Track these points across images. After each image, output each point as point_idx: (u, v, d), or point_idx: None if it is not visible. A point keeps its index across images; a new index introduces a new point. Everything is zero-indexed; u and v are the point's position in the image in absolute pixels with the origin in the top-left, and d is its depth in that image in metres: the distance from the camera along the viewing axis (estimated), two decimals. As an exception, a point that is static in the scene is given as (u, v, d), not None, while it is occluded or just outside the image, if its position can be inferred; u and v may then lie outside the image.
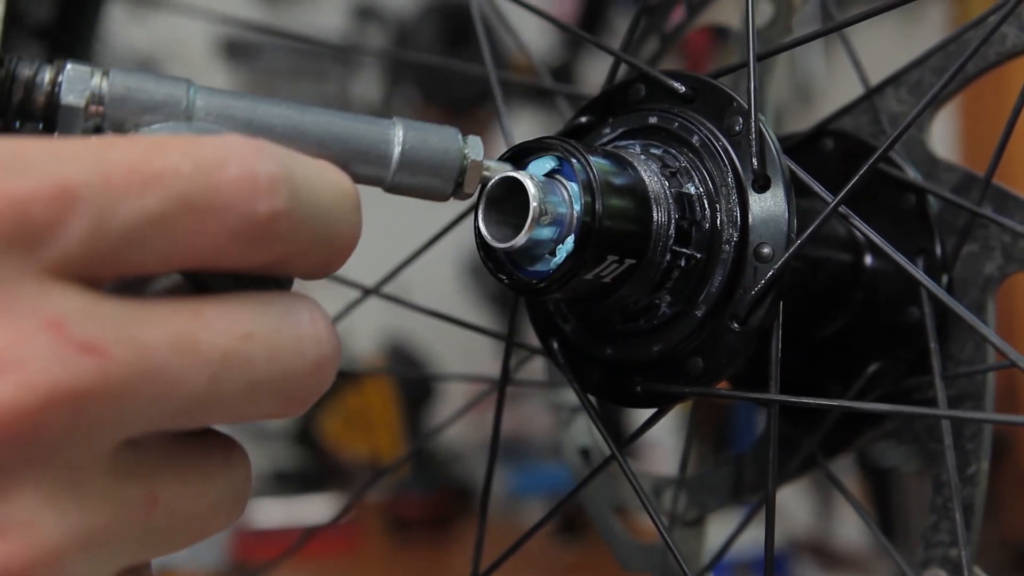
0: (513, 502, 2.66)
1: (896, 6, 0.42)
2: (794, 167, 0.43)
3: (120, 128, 0.36)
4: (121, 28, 2.88)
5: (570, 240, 0.40)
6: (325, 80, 3.12)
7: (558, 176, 0.41)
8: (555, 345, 0.49)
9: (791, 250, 0.41)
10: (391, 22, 3.13)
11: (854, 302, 0.53)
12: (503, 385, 0.53)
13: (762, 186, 0.43)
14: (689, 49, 2.35)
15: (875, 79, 0.54)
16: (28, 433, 0.27)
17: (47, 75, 0.35)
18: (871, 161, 0.41)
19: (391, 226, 2.47)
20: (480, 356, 2.27)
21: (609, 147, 0.46)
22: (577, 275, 0.41)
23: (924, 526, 0.51)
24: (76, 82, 0.35)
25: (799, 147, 0.55)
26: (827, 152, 0.54)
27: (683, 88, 0.45)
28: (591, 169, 0.41)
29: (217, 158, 0.30)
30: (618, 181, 0.42)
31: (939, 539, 0.50)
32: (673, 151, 0.45)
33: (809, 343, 0.54)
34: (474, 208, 0.42)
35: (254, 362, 0.31)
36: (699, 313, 0.43)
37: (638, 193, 0.42)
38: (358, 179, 0.39)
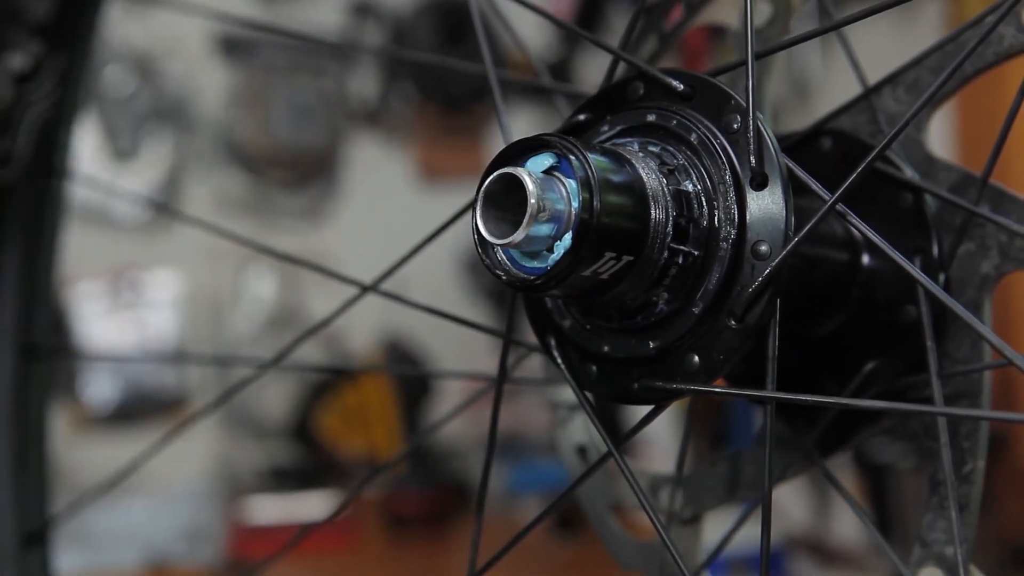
0: (511, 499, 2.66)
1: (893, 5, 0.42)
2: (792, 165, 0.44)
3: None
4: (118, 25, 2.88)
5: (568, 237, 0.40)
6: (322, 76, 3.12)
7: (556, 173, 0.41)
8: (552, 342, 0.49)
9: (788, 247, 0.42)
10: (388, 19, 3.13)
11: (851, 301, 0.53)
12: (500, 383, 0.53)
13: (760, 184, 0.43)
14: (686, 47, 2.35)
15: (871, 78, 0.54)
16: None
17: None
18: (868, 159, 0.41)
19: (389, 223, 2.47)
20: (478, 353, 2.27)
21: (607, 144, 0.46)
22: (575, 272, 0.41)
23: (920, 524, 0.51)
24: None
25: (797, 146, 0.55)
26: (825, 151, 0.55)
27: (681, 86, 0.45)
28: (589, 166, 0.41)
29: None
30: (616, 178, 0.42)
31: (935, 537, 0.50)
32: (671, 149, 0.45)
33: (806, 341, 0.54)
34: (472, 205, 0.42)
35: None
36: (696, 310, 0.44)
37: (636, 190, 0.42)
38: None
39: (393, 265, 0.61)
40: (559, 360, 0.49)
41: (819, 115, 0.55)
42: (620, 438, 0.49)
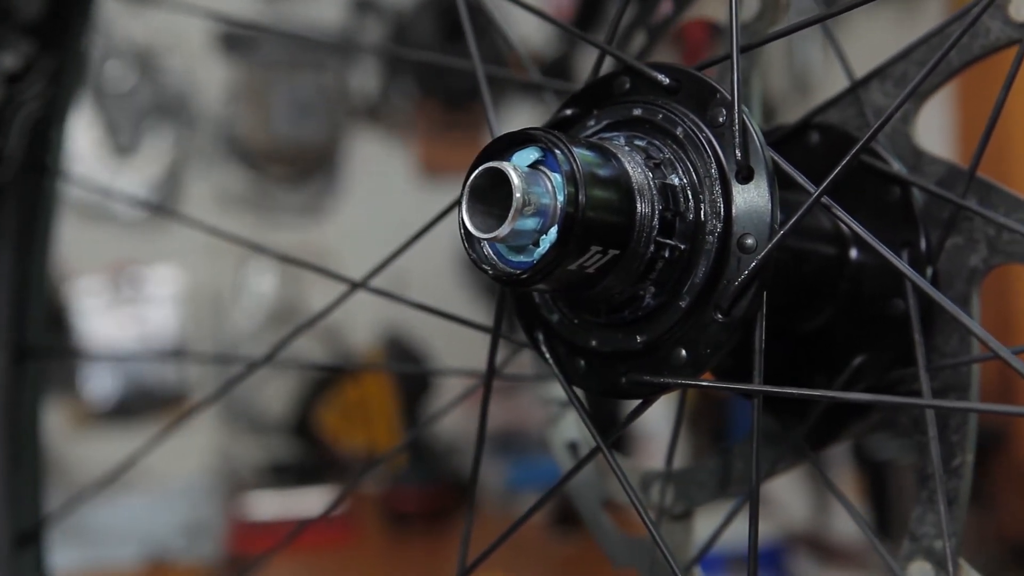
0: (509, 495, 2.66)
1: (879, -2, 0.41)
2: (777, 158, 0.44)
3: None
4: (119, 20, 2.88)
5: (553, 231, 0.40)
6: (323, 72, 3.12)
7: (542, 167, 0.41)
8: (540, 337, 0.49)
9: (774, 240, 0.42)
10: (389, 15, 3.13)
11: (839, 294, 0.53)
12: (489, 379, 0.53)
13: (745, 177, 0.43)
14: (686, 42, 2.35)
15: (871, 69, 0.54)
16: None
17: None
18: (853, 152, 0.41)
19: (389, 219, 2.47)
20: (478, 349, 2.27)
21: (593, 139, 0.46)
22: (560, 265, 0.41)
23: (910, 518, 0.51)
24: None
25: (785, 140, 0.55)
26: (813, 145, 0.55)
27: (667, 80, 0.45)
28: (574, 160, 0.41)
29: None
30: (602, 172, 0.42)
31: (924, 531, 0.50)
32: (657, 142, 0.45)
33: (794, 335, 0.54)
34: (458, 200, 0.42)
35: None
36: (683, 304, 0.44)
37: (622, 184, 0.42)
38: None
39: (383, 261, 0.61)
40: (547, 355, 0.49)
41: (810, 109, 0.55)
42: (610, 433, 0.49)
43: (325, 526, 2.36)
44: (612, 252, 0.42)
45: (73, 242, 2.39)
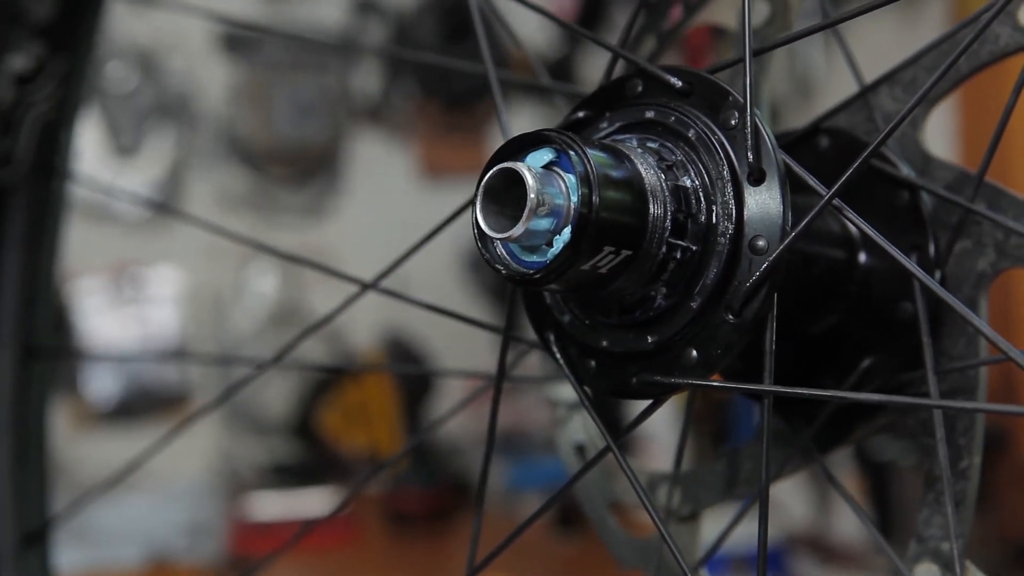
0: (512, 496, 2.66)
1: (889, 2, 0.42)
2: (789, 161, 0.44)
3: None
4: (121, 21, 2.88)
5: (567, 231, 0.41)
6: (324, 73, 3.12)
7: (556, 168, 0.42)
8: (551, 338, 0.49)
9: (785, 242, 0.42)
10: (391, 16, 3.13)
11: (848, 297, 0.53)
12: (499, 381, 0.54)
13: (757, 180, 0.43)
14: (688, 46, 2.35)
15: (874, 74, 0.55)
16: None
17: None
18: (864, 155, 0.41)
19: (391, 220, 2.47)
20: (480, 350, 2.27)
21: (606, 141, 0.46)
22: (573, 266, 0.41)
23: (917, 520, 0.51)
24: None
25: (794, 144, 0.55)
26: (822, 149, 0.55)
27: (680, 83, 0.46)
28: (588, 161, 0.41)
29: None
30: (615, 174, 0.42)
31: (931, 533, 0.50)
32: (670, 145, 0.45)
33: (804, 338, 0.54)
34: (472, 200, 0.43)
35: None
36: (694, 305, 0.44)
37: (634, 186, 0.43)
38: None
39: (393, 263, 0.61)
40: (558, 356, 0.49)
41: (820, 112, 0.55)
42: (619, 433, 0.49)
43: (327, 527, 2.36)
44: (625, 253, 0.42)
45: (75, 242, 2.39)
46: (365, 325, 2.89)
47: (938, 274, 0.51)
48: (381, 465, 2.52)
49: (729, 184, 0.44)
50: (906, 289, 0.51)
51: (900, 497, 2.18)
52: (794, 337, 0.54)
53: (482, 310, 2.91)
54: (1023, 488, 2.13)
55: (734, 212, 0.43)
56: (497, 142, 0.45)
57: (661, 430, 2.31)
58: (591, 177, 0.41)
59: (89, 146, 2.87)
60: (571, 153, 0.41)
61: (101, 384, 2.86)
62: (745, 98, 0.43)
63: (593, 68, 3.01)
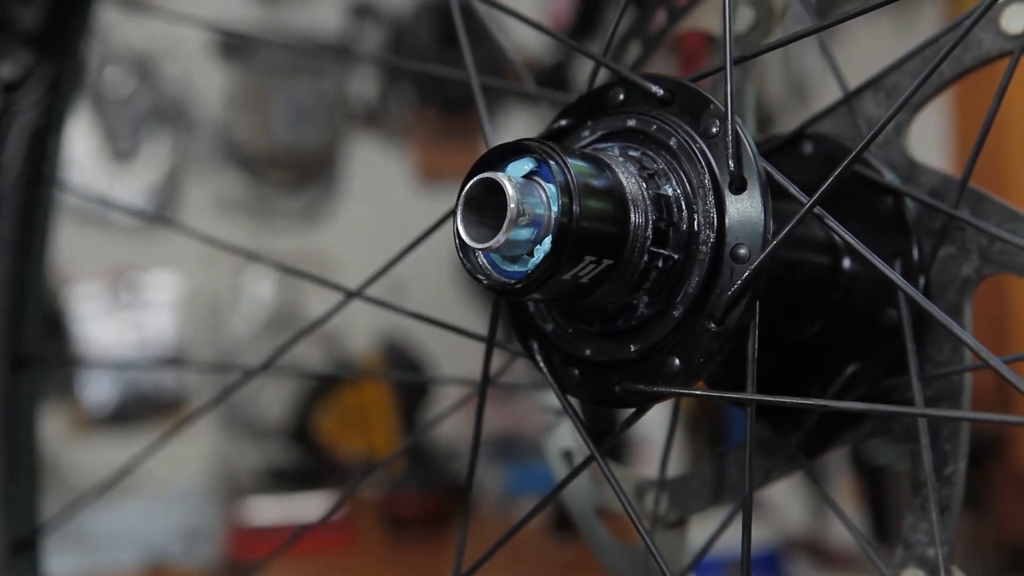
0: (508, 500, 2.66)
1: (870, 10, 0.42)
2: (770, 169, 0.44)
3: None
4: (117, 26, 2.88)
5: (548, 241, 0.41)
6: (321, 77, 3.12)
7: (536, 178, 0.42)
8: (535, 346, 0.49)
9: (767, 250, 0.42)
10: (388, 20, 3.14)
11: (832, 304, 0.53)
12: (483, 388, 0.54)
13: (738, 188, 0.43)
14: (683, 51, 2.35)
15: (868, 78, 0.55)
16: None
17: None
18: (845, 162, 0.41)
19: (388, 225, 2.47)
20: (476, 355, 2.27)
21: (588, 149, 0.46)
22: (555, 275, 0.41)
23: (903, 526, 0.51)
24: None
25: (778, 150, 0.55)
26: (806, 155, 0.55)
27: (661, 91, 0.46)
28: (569, 171, 0.41)
29: None
30: (596, 183, 0.42)
31: (917, 539, 0.50)
32: (651, 153, 0.45)
33: (788, 345, 0.54)
34: (453, 210, 0.43)
35: None
36: (676, 313, 0.44)
37: (616, 195, 0.43)
38: None
39: (378, 271, 0.61)
40: (542, 364, 0.49)
41: (804, 119, 0.55)
42: (603, 442, 0.49)
43: (324, 531, 2.36)
44: (606, 262, 0.42)
45: (71, 247, 2.40)
46: (362, 330, 2.89)
47: (922, 280, 0.51)
48: (374, 467, 2.51)
49: (710, 192, 0.44)
50: (890, 295, 0.51)
51: (896, 501, 2.18)
52: (778, 344, 0.54)
53: (478, 316, 2.91)
54: (1018, 492, 2.13)
55: (715, 220, 0.43)
56: (481, 150, 0.45)
57: (654, 435, 2.31)
58: (571, 187, 0.41)
59: (86, 151, 2.87)
60: (551, 163, 0.41)
61: (98, 389, 2.86)
62: (726, 106, 0.43)
63: (586, 73, 3.01)
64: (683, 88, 0.45)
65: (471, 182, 0.42)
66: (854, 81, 0.56)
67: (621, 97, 0.47)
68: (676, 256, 0.44)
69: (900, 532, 0.51)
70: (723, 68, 0.44)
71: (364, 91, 3.17)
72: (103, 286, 2.92)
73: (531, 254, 0.41)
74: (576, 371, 0.48)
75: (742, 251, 0.42)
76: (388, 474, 2.60)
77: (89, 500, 0.82)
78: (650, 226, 0.43)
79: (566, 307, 0.47)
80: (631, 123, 0.46)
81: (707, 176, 0.44)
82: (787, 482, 0.58)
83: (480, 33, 0.58)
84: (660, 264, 0.43)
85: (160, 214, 2.90)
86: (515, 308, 0.50)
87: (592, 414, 0.55)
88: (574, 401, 0.49)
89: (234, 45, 3.05)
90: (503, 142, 0.43)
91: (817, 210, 0.42)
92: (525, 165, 0.42)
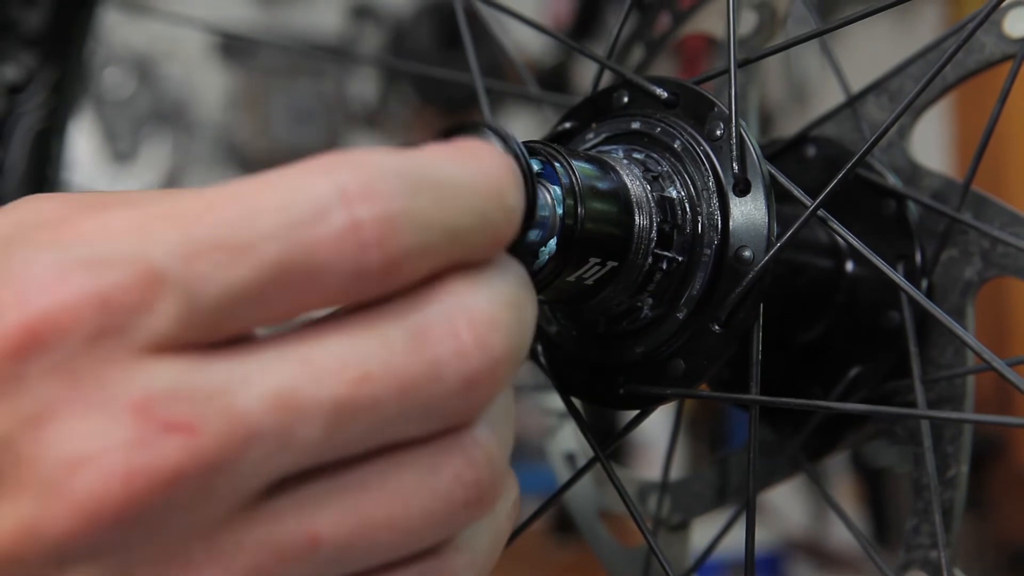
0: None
1: (874, 13, 0.42)
2: (774, 171, 0.44)
3: None
4: (118, 27, 2.89)
5: (552, 242, 0.41)
6: (321, 78, 3.13)
7: (541, 180, 0.42)
8: (539, 348, 0.49)
9: (770, 253, 0.42)
10: (387, 21, 3.14)
11: (835, 307, 0.53)
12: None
13: (743, 190, 0.43)
14: (684, 53, 2.35)
15: (869, 80, 0.55)
16: (119, 523, 0.27)
17: None
18: (849, 165, 0.41)
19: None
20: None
21: (592, 152, 0.46)
22: (559, 277, 0.41)
23: (905, 528, 0.51)
24: None
25: (781, 153, 0.55)
26: (809, 159, 0.55)
27: (665, 94, 0.46)
28: (574, 173, 0.41)
29: (314, 211, 0.29)
30: (600, 185, 0.42)
31: (919, 541, 0.50)
32: (655, 155, 0.45)
33: (791, 347, 0.55)
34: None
35: (377, 401, 0.29)
36: (681, 315, 0.44)
37: (620, 197, 0.43)
38: None
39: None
40: (545, 366, 0.49)
41: (808, 123, 0.56)
42: (606, 444, 0.49)
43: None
44: (610, 264, 0.43)
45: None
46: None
47: (924, 283, 0.51)
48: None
49: (715, 195, 0.44)
50: (893, 298, 0.51)
51: (896, 502, 2.18)
52: (781, 346, 0.54)
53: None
54: (1017, 494, 2.13)
55: (720, 223, 0.43)
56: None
57: (656, 436, 2.31)
58: (576, 189, 0.41)
59: (86, 153, 2.87)
60: (556, 164, 0.41)
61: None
62: (730, 109, 0.43)
63: (588, 74, 3.02)
64: (687, 91, 0.45)
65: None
66: (854, 83, 0.56)
67: (625, 99, 0.47)
68: (680, 258, 0.44)
69: (901, 534, 0.51)
70: (727, 71, 0.44)
71: (364, 92, 3.18)
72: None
73: (535, 256, 0.41)
74: (580, 373, 0.48)
75: (746, 253, 0.43)
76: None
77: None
78: (654, 228, 0.43)
79: (570, 309, 0.47)
80: (635, 125, 0.46)
81: (711, 178, 0.44)
82: (787, 484, 0.59)
83: (481, 34, 0.58)
84: (664, 266, 0.44)
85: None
86: (519, 310, 0.50)
87: (593, 416, 0.55)
88: (577, 403, 0.50)
89: (234, 46, 3.05)
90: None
91: (821, 213, 0.42)
92: (530, 167, 0.42)
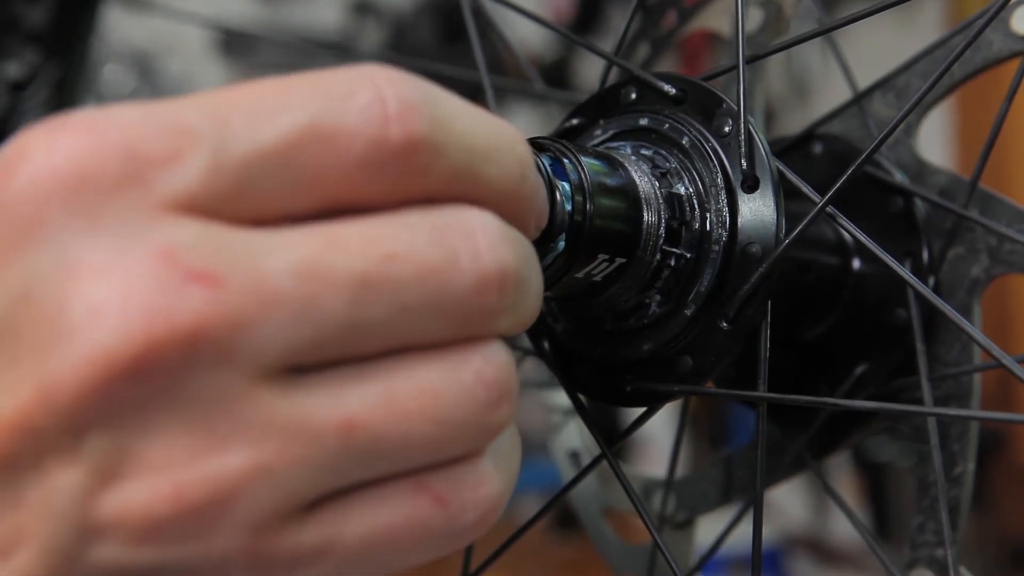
0: (512, 497, 2.66)
1: (882, 10, 0.42)
2: (783, 168, 0.44)
3: None
4: (118, 23, 2.88)
5: (561, 239, 0.41)
6: (322, 75, 3.12)
7: (550, 176, 0.42)
8: (546, 345, 0.49)
9: (779, 249, 0.42)
10: (388, 16, 3.14)
11: (842, 304, 0.53)
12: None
13: (751, 187, 0.43)
14: (685, 49, 2.35)
15: (871, 75, 0.55)
16: (138, 378, 0.26)
17: None
18: (857, 162, 0.41)
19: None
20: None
21: (600, 148, 0.46)
22: (568, 273, 0.41)
23: (911, 526, 0.51)
24: None
25: (788, 150, 0.55)
26: (815, 156, 0.55)
27: (673, 90, 0.46)
28: (583, 169, 0.41)
29: (346, 86, 0.30)
30: (609, 181, 0.42)
31: (925, 539, 0.50)
32: (663, 152, 0.45)
33: (798, 345, 0.55)
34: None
35: (400, 282, 0.29)
36: (689, 312, 0.44)
37: (629, 193, 0.43)
38: None
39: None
40: (553, 363, 0.49)
41: (817, 115, 0.56)
42: (613, 441, 0.49)
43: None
44: (619, 260, 0.43)
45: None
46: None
47: (932, 280, 0.51)
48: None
49: (723, 191, 0.44)
50: (900, 295, 0.51)
51: (897, 497, 2.18)
52: (787, 343, 0.54)
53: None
54: (1019, 489, 2.13)
55: (728, 219, 0.43)
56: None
57: (657, 433, 2.31)
58: (585, 185, 0.41)
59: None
60: (566, 161, 0.41)
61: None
62: (739, 105, 0.43)
63: (591, 69, 3.02)
64: (695, 87, 0.45)
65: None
66: (856, 76, 0.56)
67: (633, 96, 0.47)
68: (689, 255, 0.44)
69: (904, 530, 0.51)
70: (736, 67, 0.44)
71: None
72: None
73: (545, 252, 0.41)
74: (587, 370, 0.48)
75: (754, 250, 0.42)
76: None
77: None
78: (663, 225, 0.43)
79: (578, 306, 0.47)
80: (643, 122, 0.46)
81: (719, 175, 0.44)
82: (786, 483, 0.59)
83: (483, 29, 0.57)
84: (672, 263, 0.44)
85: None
86: (526, 307, 0.50)
87: (595, 415, 0.55)
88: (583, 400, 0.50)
89: (234, 42, 3.05)
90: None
91: (830, 209, 0.42)
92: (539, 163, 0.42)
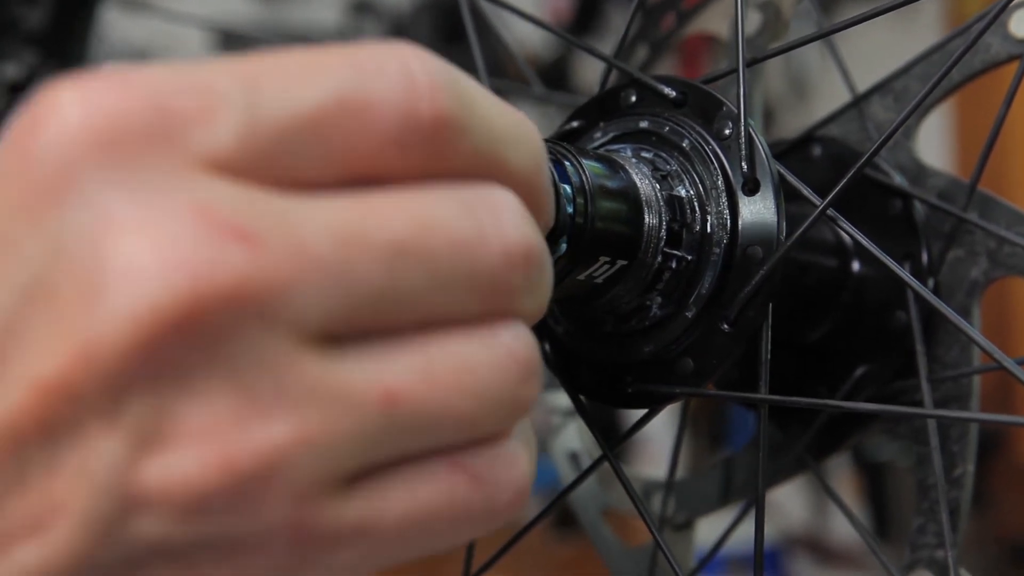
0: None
1: (880, 14, 0.42)
2: (783, 171, 0.44)
3: None
4: (116, 21, 2.88)
5: (563, 241, 0.41)
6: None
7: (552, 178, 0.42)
8: (547, 347, 0.49)
9: (780, 251, 0.42)
10: (387, 16, 3.14)
11: (841, 306, 0.53)
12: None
13: (752, 190, 0.43)
14: (684, 51, 2.35)
15: (870, 75, 0.55)
16: (184, 329, 0.25)
17: None
18: (857, 165, 0.42)
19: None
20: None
21: (601, 151, 0.46)
22: (569, 275, 0.41)
23: (910, 527, 0.51)
24: None
25: (787, 153, 0.55)
26: (815, 158, 0.55)
27: (673, 93, 0.46)
28: (584, 171, 0.41)
29: (376, 61, 0.29)
30: (610, 184, 0.42)
31: (925, 541, 0.50)
32: (664, 154, 0.45)
33: (798, 347, 0.55)
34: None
35: (434, 252, 0.29)
36: (690, 314, 0.44)
37: (630, 196, 0.43)
38: None
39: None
40: (554, 365, 0.49)
41: (816, 115, 0.56)
42: (614, 443, 0.49)
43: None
44: (620, 263, 0.43)
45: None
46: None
47: (931, 282, 0.51)
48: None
49: (723, 194, 0.44)
50: (899, 297, 0.51)
51: (897, 497, 2.18)
52: (787, 346, 0.54)
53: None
54: (1018, 489, 2.14)
55: (729, 222, 0.43)
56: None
57: (657, 433, 2.31)
58: (587, 187, 0.41)
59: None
60: (567, 163, 0.41)
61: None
62: (739, 108, 0.43)
63: (589, 70, 3.02)
64: (695, 90, 0.45)
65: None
66: (854, 76, 0.56)
67: (633, 99, 0.47)
68: (689, 257, 0.44)
69: (904, 530, 0.51)
70: (735, 70, 0.44)
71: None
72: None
73: (547, 254, 0.41)
74: (588, 372, 0.48)
75: (755, 252, 0.43)
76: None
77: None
78: (664, 227, 0.43)
79: (579, 308, 0.47)
80: (644, 124, 0.46)
81: (720, 177, 0.44)
82: (786, 484, 0.59)
83: (481, 30, 0.58)
84: (674, 265, 0.44)
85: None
86: (527, 310, 0.50)
87: (596, 416, 0.55)
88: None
89: (233, 42, 3.05)
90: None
91: (830, 212, 0.42)
92: (539, 166, 0.42)
